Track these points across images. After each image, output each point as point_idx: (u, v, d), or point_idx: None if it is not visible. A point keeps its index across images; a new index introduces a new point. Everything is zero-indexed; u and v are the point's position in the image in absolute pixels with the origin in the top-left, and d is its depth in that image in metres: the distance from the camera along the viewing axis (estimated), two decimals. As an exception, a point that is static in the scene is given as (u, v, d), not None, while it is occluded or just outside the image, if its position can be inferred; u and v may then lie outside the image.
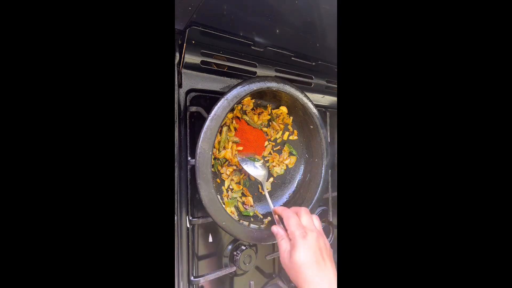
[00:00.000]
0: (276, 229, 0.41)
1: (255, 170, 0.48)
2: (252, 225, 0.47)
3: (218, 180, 0.47)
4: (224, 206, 0.43)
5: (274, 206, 0.45)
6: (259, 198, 0.52)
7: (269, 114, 0.52)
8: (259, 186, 0.52)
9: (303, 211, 0.41)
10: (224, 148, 0.47)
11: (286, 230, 0.40)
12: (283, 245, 0.39)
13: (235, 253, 0.49)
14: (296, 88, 0.48)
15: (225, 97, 0.40)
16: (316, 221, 0.41)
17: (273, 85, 0.45)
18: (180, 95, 0.42)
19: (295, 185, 0.55)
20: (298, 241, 0.36)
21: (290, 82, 0.48)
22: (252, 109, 0.51)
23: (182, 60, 0.41)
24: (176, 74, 0.41)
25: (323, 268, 0.35)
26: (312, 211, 0.51)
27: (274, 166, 0.54)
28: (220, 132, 0.46)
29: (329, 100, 0.64)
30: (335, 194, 0.64)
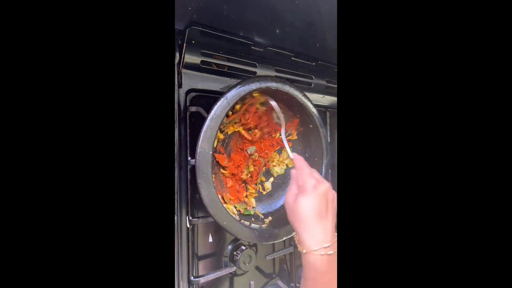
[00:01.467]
0: (293, 172, 0.43)
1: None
2: (253, 225, 0.47)
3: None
4: (224, 206, 0.43)
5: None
6: (260, 198, 0.52)
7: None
8: (259, 186, 0.52)
9: (314, 170, 0.43)
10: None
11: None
12: (293, 188, 0.40)
13: (235, 253, 0.49)
14: (296, 88, 0.48)
15: (225, 96, 0.40)
16: None
17: (272, 84, 0.45)
18: (180, 95, 0.42)
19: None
20: (307, 188, 0.38)
21: (290, 82, 0.48)
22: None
23: (182, 60, 0.41)
24: (176, 74, 0.41)
25: (323, 218, 0.37)
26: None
27: (275, 166, 0.54)
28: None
29: (329, 100, 0.64)
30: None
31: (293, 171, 0.43)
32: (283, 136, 0.49)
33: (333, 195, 0.40)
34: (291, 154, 0.45)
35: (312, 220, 0.36)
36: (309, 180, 0.39)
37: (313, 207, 0.37)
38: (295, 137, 0.56)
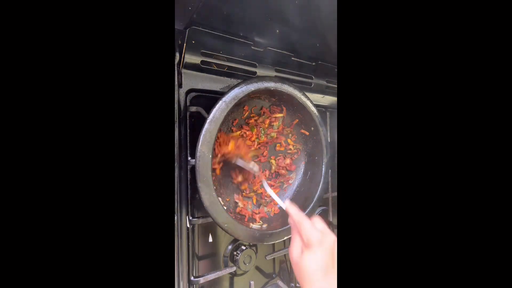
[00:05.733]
0: (293, 223, 0.40)
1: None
2: (253, 226, 0.47)
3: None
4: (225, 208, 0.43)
5: (283, 202, 0.43)
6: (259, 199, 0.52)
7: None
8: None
9: (316, 218, 0.40)
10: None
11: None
12: (296, 240, 0.38)
13: (235, 253, 0.49)
14: (295, 87, 0.48)
15: (223, 99, 0.40)
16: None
17: (271, 85, 0.45)
18: (180, 95, 0.42)
19: (296, 184, 0.55)
20: (314, 244, 0.36)
21: (290, 82, 0.48)
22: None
23: (182, 60, 0.41)
24: (176, 74, 0.41)
25: (330, 272, 0.35)
26: (312, 211, 0.51)
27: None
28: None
29: (329, 100, 0.64)
30: (335, 194, 0.64)
31: (290, 221, 0.40)
32: (265, 186, 0.46)
33: (336, 246, 0.38)
34: (283, 205, 0.41)
35: (319, 276, 0.35)
36: (313, 233, 0.37)
37: (319, 263, 0.35)
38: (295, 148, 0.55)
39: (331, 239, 0.37)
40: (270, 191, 0.46)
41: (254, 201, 0.51)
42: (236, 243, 0.50)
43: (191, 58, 0.42)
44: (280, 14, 0.40)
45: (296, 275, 0.37)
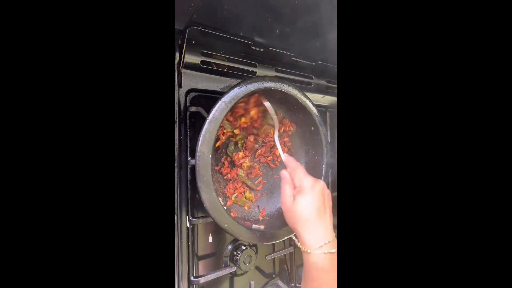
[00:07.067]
0: (285, 173, 0.43)
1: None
2: (254, 226, 0.47)
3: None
4: (225, 208, 0.43)
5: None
6: (260, 198, 0.52)
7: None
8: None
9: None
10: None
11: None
12: (287, 189, 0.41)
13: (235, 253, 0.49)
14: (294, 87, 0.48)
15: (223, 99, 0.40)
16: None
17: (271, 85, 0.45)
18: (180, 95, 0.42)
19: (296, 184, 0.55)
20: (305, 188, 0.39)
21: (290, 82, 0.48)
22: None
23: (182, 60, 0.41)
24: (176, 74, 0.41)
25: (322, 215, 0.38)
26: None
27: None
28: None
29: (329, 100, 0.64)
30: (335, 194, 0.64)
31: (284, 173, 0.43)
32: (276, 137, 0.49)
33: (328, 192, 0.41)
34: (283, 156, 0.46)
35: (313, 219, 0.37)
36: (305, 179, 0.40)
37: (313, 206, 0.38)
38: (289, 143, 0.55)
39: (321, 183, 0.40)
40: (278, 142, 0.49)
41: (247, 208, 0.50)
42: (236, 243, 0.50)
43: (191, 58, 0.42)
44: (280, 14, 0.40)
45: (289, 223, 0.40)
